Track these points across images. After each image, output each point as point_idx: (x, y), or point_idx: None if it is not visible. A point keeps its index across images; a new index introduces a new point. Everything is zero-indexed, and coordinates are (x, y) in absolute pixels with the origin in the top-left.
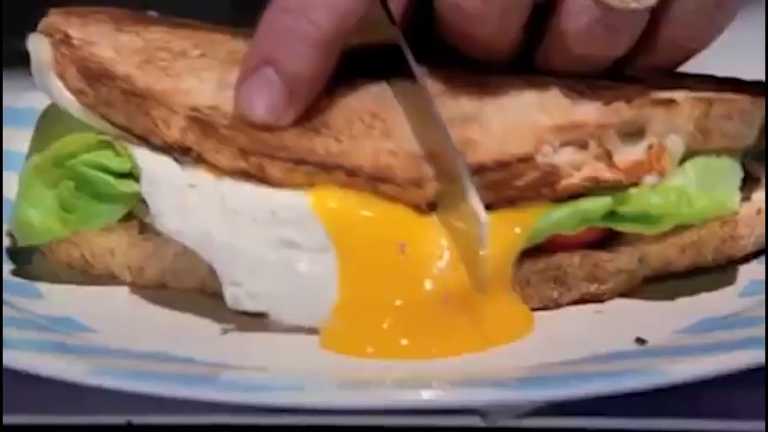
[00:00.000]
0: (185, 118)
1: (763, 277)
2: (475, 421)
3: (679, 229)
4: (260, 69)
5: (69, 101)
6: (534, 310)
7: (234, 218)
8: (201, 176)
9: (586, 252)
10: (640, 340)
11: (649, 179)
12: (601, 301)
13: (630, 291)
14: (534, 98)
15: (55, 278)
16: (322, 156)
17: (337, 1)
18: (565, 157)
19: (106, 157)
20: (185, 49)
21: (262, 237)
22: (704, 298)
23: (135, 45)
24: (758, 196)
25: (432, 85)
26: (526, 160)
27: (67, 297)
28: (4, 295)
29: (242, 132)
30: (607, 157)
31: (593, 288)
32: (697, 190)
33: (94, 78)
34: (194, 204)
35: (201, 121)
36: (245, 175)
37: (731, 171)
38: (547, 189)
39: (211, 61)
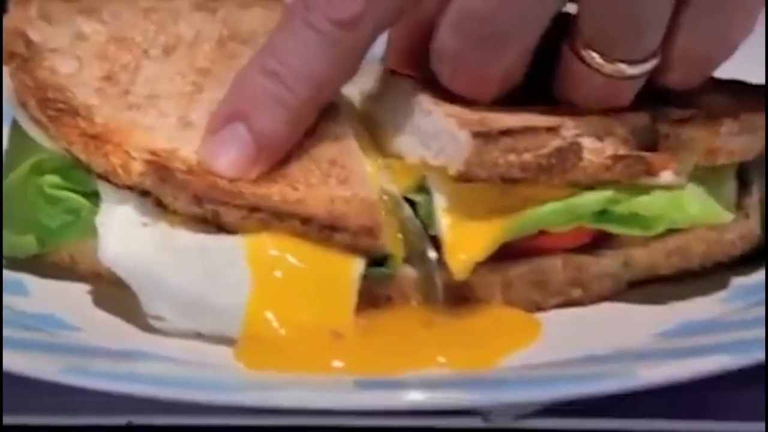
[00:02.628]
0: (143, 162)
1: (749, 282)
2: (475, 422)
3: (666, 233)
4: (232, 123)
5: (34, 130)
6: None
7: (168, 252)
8: (157, 216)
9: (569, 255)
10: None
11: (666, 175)
12: (584, 305)
13: (614, 295)
14: (546, 106)
15: (43, 275)
16: (276, 203)
17: (317, 72)
18: (585, 144)
19: (74, 178)
20: (148, 39)
21: (187, 271)
22: (686, 303)
23: (97, 39)
24: (747, 201)
25: (437, 92)
26: (552, 129)
27: (53, 295)
28: None
29: (198, 178)
30: (626, 143)
31: (576, 293)
32: (692, 197)
33: (52, 116)
34: (138, 235)
35: (158, 166)
36: (201, 221)
37: (726, 181)
38: (572, 163)
39: (173, 68)
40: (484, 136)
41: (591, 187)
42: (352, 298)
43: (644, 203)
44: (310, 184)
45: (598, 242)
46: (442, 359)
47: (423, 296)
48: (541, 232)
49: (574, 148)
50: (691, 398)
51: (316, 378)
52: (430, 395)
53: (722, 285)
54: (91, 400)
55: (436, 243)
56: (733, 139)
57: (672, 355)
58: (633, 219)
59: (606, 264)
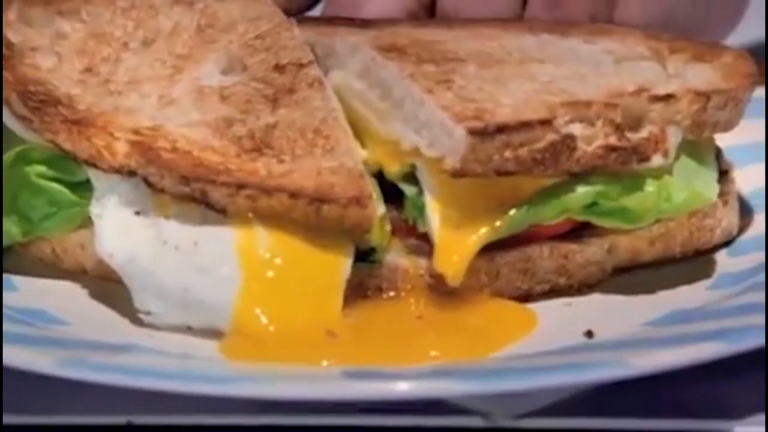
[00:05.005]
0: (127, 142)
1: (734, 269)
2: (476, 422)
3: None
4: None
5: (17, 126)
6: None
7: (161, 247)
8: (148, 203)
9: (555, 243)
10: (589, 333)
11: (657, 159)
12: (570, 293)
13: (599, 283)
14: (537, 84)
15: (30, 271)
16: (263, 178)
17: None
18: (577, 131)
19: (61, 169)
20: (127, 33)
21: (178, 266)
22: (673, 291)
23: (76, 37)
24: (726, 188)
25: (436, 73)
26: (546, 123)
27: (42, 290)
28: None
29: (183, 157)
30: (617, 130)
31: (562, 280)
32: (678, 185)
33: (35, 108)
34: (133, 230)
35: (143, 146)
36: (191, 200)
37: (709, 162)
38: (566, 156)
39: (153, 56)
40: (480, 133)
41: (582, 174)
42: (340, 295)
43: (633, 197)
44: (296, 156)
45: (582, 229)
46: (436, 353)
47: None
48: None
49: (568, 141)
50: (692, 398)
51: (308, 370)
52: (418, 384)
53: (707, 272)
54: (90, 400)
55: (426, 238)
56: (719, 113)
57: (663, 344)
58: (621, 212)
59: (591, 251)
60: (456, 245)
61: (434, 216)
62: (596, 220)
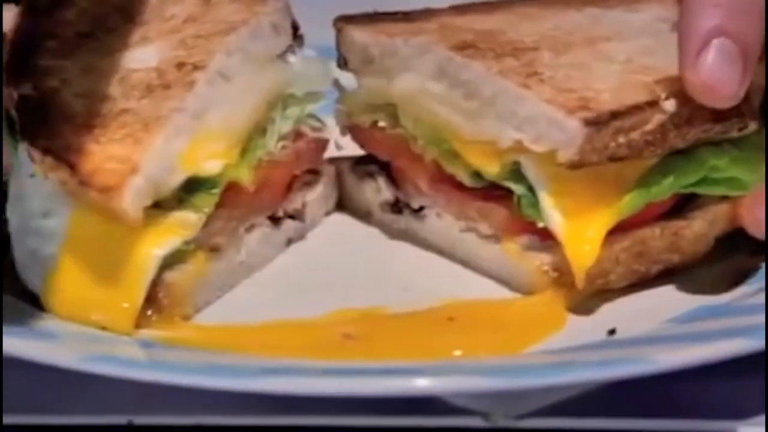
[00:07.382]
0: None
1: (758, 267)
2: (476, 422)
3: None
4: (715, 40)
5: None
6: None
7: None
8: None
9: (664, 223)
10: (612, 332)
11: (752, 125)
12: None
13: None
14: (618, 65)
15: None
16: (68, 151)
17: None
18: (674, 106)
19: None
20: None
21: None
22: (700, 287)
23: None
24: None
25: (519, 66)
26: (654, 103)
27: None
28: None
29: (44, 122)
30: None
31: (676, 258)
32: None
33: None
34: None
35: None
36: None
37: None
38: (673, 134)
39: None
40: (596, 123)
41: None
42: (143, 286)
43: (740, 166)
44: (112, 140)
45: (685, 205)
46: (460, 352)
47: None
48: None
49: (675, 119)
50: (691, 397)
51: (325, 364)
52: (438, 380)
53: (738, 270)
54: (91, 400)
55: (540, 233)
56: None
57: (688, 339)
58: (729, 181)
59: (698, 225)
60: (584, 235)
61: (553, 211)
62: (707, 191)
